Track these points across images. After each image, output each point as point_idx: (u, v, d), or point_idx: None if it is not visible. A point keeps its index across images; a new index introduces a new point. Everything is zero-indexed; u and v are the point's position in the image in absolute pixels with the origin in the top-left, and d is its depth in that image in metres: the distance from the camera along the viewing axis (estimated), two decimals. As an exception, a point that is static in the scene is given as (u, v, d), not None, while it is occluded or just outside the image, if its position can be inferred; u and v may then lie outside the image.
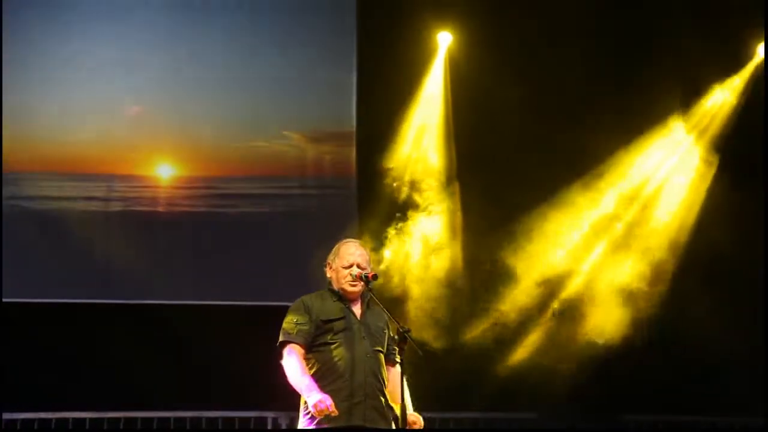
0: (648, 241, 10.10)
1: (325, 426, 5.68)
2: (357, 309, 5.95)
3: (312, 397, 5.60)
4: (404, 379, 5.74)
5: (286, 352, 5.80)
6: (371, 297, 5.98)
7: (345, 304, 5.94)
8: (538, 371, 9.84)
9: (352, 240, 6.12)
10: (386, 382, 5.87)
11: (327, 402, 5.55)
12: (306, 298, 5.98)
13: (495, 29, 9.81)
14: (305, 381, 5.68)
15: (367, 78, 10.05)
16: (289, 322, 5.86)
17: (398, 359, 5.87)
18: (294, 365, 5.73)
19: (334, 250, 6.03)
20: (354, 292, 5.94)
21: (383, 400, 5.83)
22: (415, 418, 5.88)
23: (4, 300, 9.21)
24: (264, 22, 10.07)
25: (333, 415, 5.57)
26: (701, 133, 10.17)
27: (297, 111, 10.13)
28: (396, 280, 9.78)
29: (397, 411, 5.80)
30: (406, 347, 5.65)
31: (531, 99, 9.83)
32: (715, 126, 10.16)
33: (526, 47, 9.83)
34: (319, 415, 5.58)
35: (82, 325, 9.50)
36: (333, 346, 5.81)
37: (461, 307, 9.89)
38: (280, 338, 5.84)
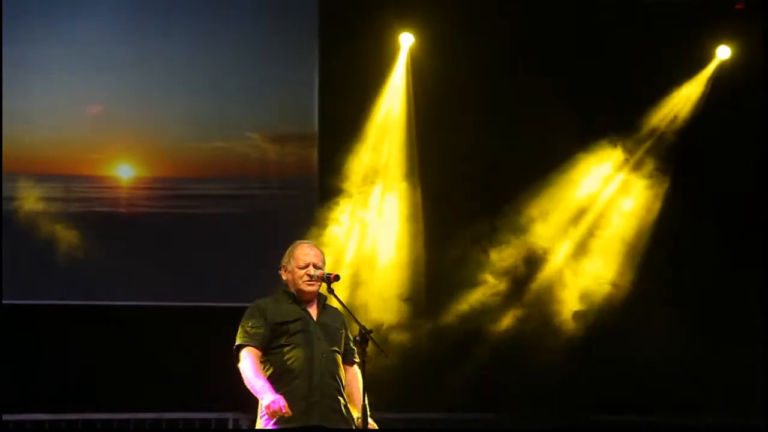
0: (607, 245, 10.17)
1: (283, 426, 5.69)
2: (313, 310, 5.96)
3: (266, 398, 5.62)
4: (363, 380, 5.77)
5: (242, 355, 5.82)
6: (327, 297, 6.00)
7: (301, 306, 5.94)
8: (499, 372, 9.88)
9: (306, 241, 6.15)
10: (344, 383, 5.88)
11: (280, 403, 5.57)
12: (261, 301, 5.98)
13: (456, 31, 9.84)
14: (260, 383, 5.69)
15: (330, 78, 10.04)
16: (245, 326, 5.87)
17: (357, 359, 5.93)
18: (249, 368, 5.75)
19: (288, 252, 6.03)
20: (311, 292, 5.95)
21: (341, 400, 5.85)
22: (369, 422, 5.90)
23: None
24: (225, 21, 10.02)
25: (286, 415, 5.58)
26: (655, 143, 10.26)
27: (259, 111, 10.10)
28: (357, 278, 9.78)
29: (356, 413, 5.82)
30: (368, 348, 5.69)
31: (492, 100, 9.88)
32: (669, 135, 10.24)
33: (488, 50, 9.87)
34: (272, 416, 5.61)
35: (40, 326, 9.43)
36: (289, 348, 5.82)
37: (423, 306, 9.89)
38: (236, 342, 5.86)
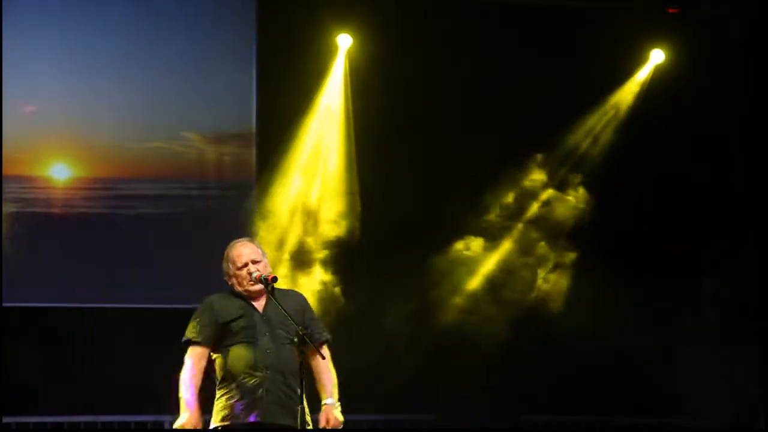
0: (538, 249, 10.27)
1: (226, 424, 5.76)
2: (260, 303, 5.96)
3: (179, 420, 5.71)
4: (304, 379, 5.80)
5: (186, 355, 5.83)
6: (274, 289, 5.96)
7: (246, 302, 5.94)
8: (437, 372, 9.92)
9: (239, 240, 6.14)
10: (296, 374, 5.78)
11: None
12: (213, 297, 6.02)
13: (394, 32, 9.88)
14: (185, 395, 5.77)
15: (267, 78, 10.02)
16: (194, 321, 5.93)
17: (327, 337, 6.04)
18: (184, 373, 5.82)
19: (224, 256, 6.06)
20: (258, 291, 5.95)
21: (290, 394, 5.81)
22: (330, 417, 5.87)
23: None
24: (162, 19, 9.96)
25: None
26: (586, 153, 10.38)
27: (196, 111, 10.04)
28: (296, 278, 9.77)
29: (324, 397, 5.84)
30: (306, 349, 5.72)
31: (431, 102, 9.94)
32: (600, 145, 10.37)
33: (425, 52, 9.93)
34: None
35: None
36: (234, 346, 5.85)
37: (363, 306, 9.90)
38: (184, 336, 5.90)
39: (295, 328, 5.81)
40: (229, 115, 10.11)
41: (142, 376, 9.01)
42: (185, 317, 6.06)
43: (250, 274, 5.92)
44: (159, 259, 9.73)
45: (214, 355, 5.90)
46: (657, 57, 10.31)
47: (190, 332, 5.89)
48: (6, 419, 9.09)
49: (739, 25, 10.28)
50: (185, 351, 5.87)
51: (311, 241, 9.95)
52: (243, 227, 9.47)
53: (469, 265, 10.16)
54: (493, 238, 10.22)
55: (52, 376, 9.31)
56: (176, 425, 5.70)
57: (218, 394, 5.87)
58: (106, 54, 9.83)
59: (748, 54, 10.36)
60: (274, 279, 5.91)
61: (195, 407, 5.72)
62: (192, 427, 5.64)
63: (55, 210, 9.72)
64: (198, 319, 5.91)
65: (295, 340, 5.79)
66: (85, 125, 9.80)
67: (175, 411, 8.21)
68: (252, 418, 5.77)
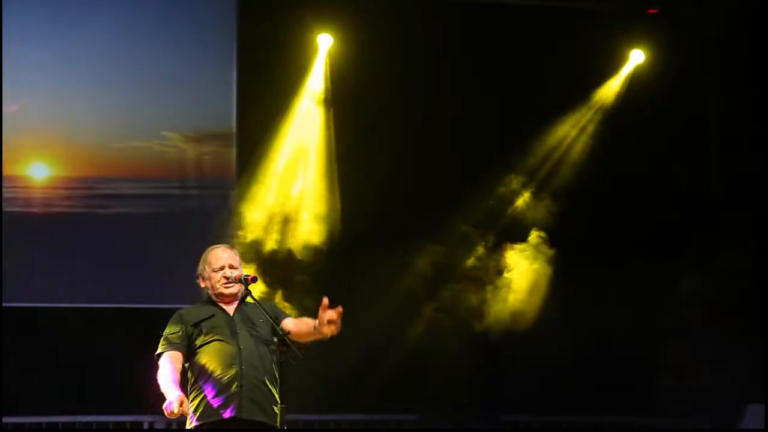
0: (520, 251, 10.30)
1: (203, 422, 5.70)
2: (231, 308, 5.93)
3: (166, 401, 5.55)
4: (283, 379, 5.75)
5: (160, 362, 5.78)
6: (247, 294, 5.91)
7: (217, 307, 5.92)
8: (418, 372, 9.93)
9: (218, 245, 6.10)
10: (270, 373, 5.75)
11: (171, 407, 5.47)
12: (182, 309, 5.97)
13: (375, 33, 9.89)
14: (165, 382, 5.62)
15: (248, 78, 10.02)
16: (165, 334, 5.85)
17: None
18: (161, 370, 5.72)
19: (202, 259, 6.00)
20: (231, 294, 5.92)
21: (265, 390, 5.76)
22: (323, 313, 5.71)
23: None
24: (143, 19, 9.95)
25: (185, 414, 5.54)
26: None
27: (176, 111, 10.04)
28: (274, 281, 9.76)
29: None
30: (285, 350, 5.69)
31: (412, 103, 9.95)
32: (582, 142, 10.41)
33: (406, 51, 9.94)
34: (169, 416, 5.53)
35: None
36: (207, 345, 5.79)
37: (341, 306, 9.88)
38: (157, 352, 5.84)
39: (267, 330, 5.81)
40: (210, 114, 10.10)
41: (118, 376, 9.01)
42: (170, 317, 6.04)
43: (226, 277, 5.89)
44: (139, 258, 9.71)
45: (187, 363, 5.85)
46: (637, 57, 10.36)
47: (160, 346, 5.82)
48: (5, 419, 9.07)
49: (717, 25, 10.31)
50: (158, 364, 5.83)
51: (291, 242, 9.95)
52: (223, 226, 9.47)
53: (449, 265, 10.17)
54: (472, 239, 10.23)
55: (28, 374, 9.28)
56: (164, 405, 5.61)
57: (192, 395, 5.82)
58: (87, 53, 9.81)
59: (727, 54, 10.41)
60: (254, 279, 5.87)
61: (179, 391, 5.66)
62: (181, 402, 5.54)
63: (34, 209, 9.68)
64: (168, 332, 5.85)
65: (275, 339, 5.77)
66: (66, 125, 9.79)
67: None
68: (228, 413, 5.73)
